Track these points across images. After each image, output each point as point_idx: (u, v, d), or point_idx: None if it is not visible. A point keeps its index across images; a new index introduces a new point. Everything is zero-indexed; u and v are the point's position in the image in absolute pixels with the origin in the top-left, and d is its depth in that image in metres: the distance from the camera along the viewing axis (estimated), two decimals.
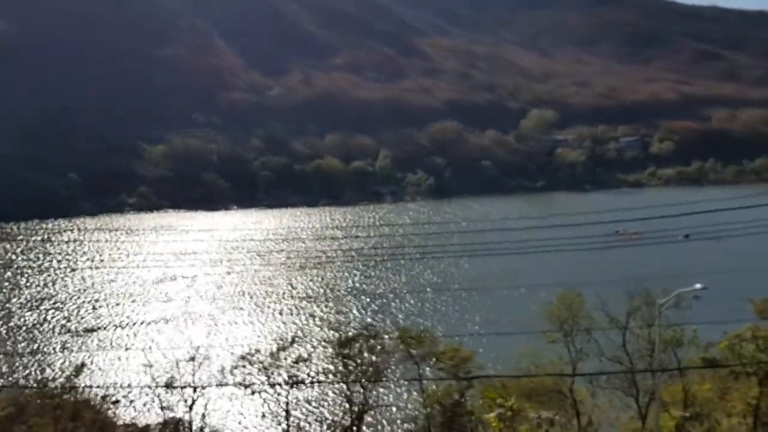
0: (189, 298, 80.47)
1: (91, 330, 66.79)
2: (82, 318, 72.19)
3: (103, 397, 34.82)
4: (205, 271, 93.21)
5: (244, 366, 32.15)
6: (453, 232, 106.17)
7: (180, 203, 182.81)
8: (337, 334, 35.78)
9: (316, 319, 70.04)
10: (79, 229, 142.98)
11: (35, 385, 31.87)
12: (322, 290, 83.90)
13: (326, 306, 75.97)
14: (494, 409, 24.25)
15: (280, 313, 72.80)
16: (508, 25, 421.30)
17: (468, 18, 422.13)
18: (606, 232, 73.62)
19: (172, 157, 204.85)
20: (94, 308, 75.86)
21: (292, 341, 34.29)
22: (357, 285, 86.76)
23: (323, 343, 37.64)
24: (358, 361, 32.64)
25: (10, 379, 31.81)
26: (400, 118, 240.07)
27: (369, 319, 66.78)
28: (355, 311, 73.28)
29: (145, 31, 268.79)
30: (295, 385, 33.15)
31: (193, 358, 31.13)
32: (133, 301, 78.82)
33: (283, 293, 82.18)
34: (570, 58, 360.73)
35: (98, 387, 34.11)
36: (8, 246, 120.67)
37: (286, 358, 32.33)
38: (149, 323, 69.11)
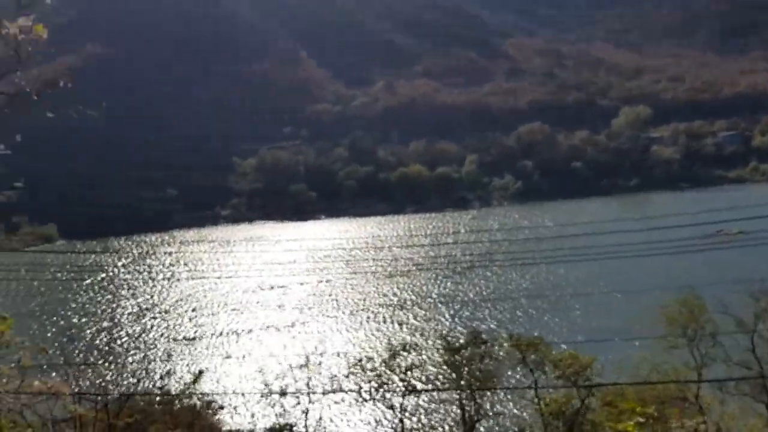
0: (283, 306, 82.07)
1: (193, 338, 69.19)
2: (184, 327, 74.92)
3: (209, 404, 35.59)
4: (297, 280, 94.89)
5: (356, 373, 32.14)
6: (544, 238, 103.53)
7: (270, 214, 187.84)
8: (444, 342, 35.19)
9: (410, 326, 69.78)
10: (177, 242, 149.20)
11: (157, 392, 33.06)
12: (412, 298, 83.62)
13: (418, 314, 75.60)
14: (631, 417, 22.83)
15: (374, 321, 73.05)
16: (593, 22, 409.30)
17: (550, 17, 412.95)
18: (706, 232, 69.58)
19: (263, 170, 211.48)
20: (194, 317, 78.62)
21: (403, 348, 34.00)
22: (447, 292, 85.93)
23: (432, 351, 37.09)
24: (470, 368, 31.95)
25: (129, 387, 33.01)
26: (485, 122, 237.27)
27: (460, 327, 65.87)
28: (447, 319, 72.52)
29: (233, 49, 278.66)
30: (408, 393, 32.77)
31: (304, 365, 31.39)
32: (232, 310, 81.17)
33: (374, 301, 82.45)
34: (662, 52, 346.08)
35: (216, 394, 34.94)
36: (113, 260, 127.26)
37: (397, 366, 32.04)
38: (248, 332, 70.90)
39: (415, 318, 73.69)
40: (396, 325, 70.83)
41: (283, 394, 30.94)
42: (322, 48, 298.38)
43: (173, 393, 33.45)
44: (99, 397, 30.12)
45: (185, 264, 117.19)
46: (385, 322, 72.62)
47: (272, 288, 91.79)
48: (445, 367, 33.37)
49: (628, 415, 23.78)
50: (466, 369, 31.98)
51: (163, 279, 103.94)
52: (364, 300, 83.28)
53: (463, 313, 74.66)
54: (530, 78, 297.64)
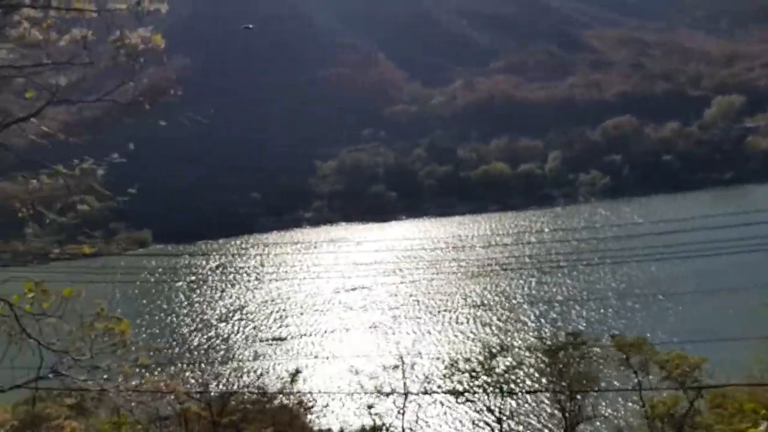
0: (366, 307, 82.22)
1: (281, 339, 70.27)
2: (271, 328, 76.24)
3: (302, 403, 35.59)
4: (379, 281, 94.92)
5: (451, 374, 31.56)
6: (634, 235, 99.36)
7: (351, 216, 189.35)
8: (541, 343, 34.11)
9: (496, 327, 68.39)
10: (261, 245, 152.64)
11: (257, 391, 33.44)
12: (496, 298, 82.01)
13: (502, 315, 74.03)
14: (743, 420, 21.12)
15: (458, 322, 72.06)
16: (680, 8, 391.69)
17: (634, 5, 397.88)
18: None
19: (343, 172, 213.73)
20: (280, 318, 79.92)
21: (501, 349, 33.15)
22: (532, 292, 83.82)
23: (526, 352, 35.95)
24: (569, 370, 30.81)
25: (226, 386, 33.49)
26: (569, 117, 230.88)
27: (547, 328, 63.98)
28: (532, 320, 70.66)
29: (311, 53, 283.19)
30: (506, 394, 31.92)
31: (397, 366, 31.08)
32: (316, 311, 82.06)
33: (458, 302, 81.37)
34: (753, 38, 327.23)
35: (312, 393, 35.04)
36: (202, 263, 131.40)
37: (495, 367, 31.26)
38: (332, 332, 71.40)
39: (499, 319, 72.20)
40: (480, 326, 69.61)
41: (387, 393, 30.69)
42: (399, 49, 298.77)
43: (273, 392, 33.72)
44: (202, 395, 30.67)
45: (270, 266, 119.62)
46: (468, 322, 71.52)
47: (355, 289, 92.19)
48: (543, 368, 32.21)
49: (739, 417, 22.01)
50: (566, 370, 30.77)
51: (250, 281, 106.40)
52: (447, 300, 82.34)
53: (550, 314, 72.58)
54: (615, 69, 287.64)
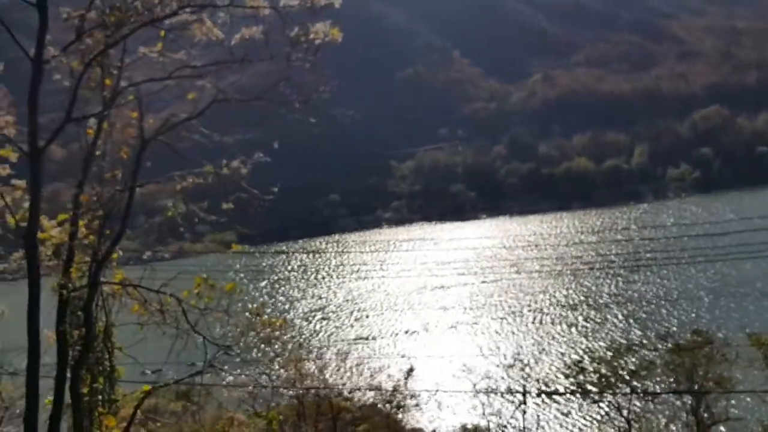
0: (447, 307, 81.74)
1: (365, 338, 70.83)
2: (352, 327, 76.98)
3: (393, 402, 35.36)
4: (460, 280, 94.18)
5: (576, 373, 30.77)
6: (727, 232, 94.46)
7: (431, 216, 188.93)
8: (663, 341, 32.85)
9: (582, 328, 66.57)
10: (341, 245, 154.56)
11: (371, 388, 33.48)
12: (581, 298, 79.82)
13: (589, 314, 71.97)
14: None
15: (542, 322, 70.60)
16: None
17: None
18: None
19: (421, 172, 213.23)
20: (362, 317, 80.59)
21: (629, 349, 32.15)
22: (619, 291, 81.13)
23: (651, 351, 34.49)
24: (698, 369, 29.49)
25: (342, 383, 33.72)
26: (656, 109, 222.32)
27: (636, 329, 61.83)
28: (620, 320, 68.38)
29: (385, 52, 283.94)
30: (634, 395, 30.88)
31: (512, 365, 30.72)
32: (396, 311, 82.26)
33: (541, 301, 79.75)
34: None
35: (426, 391, 34.74)
36: (284, 263, 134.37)
37: (619, 366, 30.28)
38: (423, 331, 71.36)
39: (586, 319, 70.21)
40: (565, 326, 67.91)
41: (512, 392, 30.28)
42: (475, 45, 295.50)
43: (388, 389, 33.70)
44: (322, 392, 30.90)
45: (350, 266, 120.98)
46: (554, 323, 69.94)
47: (436, 288, 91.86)
48: (670, 367, 30.82)
49: None
50: (694, 370, 29.45)
51: (329, 280, 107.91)
52: (531, 300, 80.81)
53: (639, 313, 70.05)
54: (703, 60, 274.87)
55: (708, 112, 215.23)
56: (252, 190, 10.45)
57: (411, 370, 35.45)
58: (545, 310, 75.46)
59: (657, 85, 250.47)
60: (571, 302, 78.28)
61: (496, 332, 68.46)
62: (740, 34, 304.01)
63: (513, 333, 68.11)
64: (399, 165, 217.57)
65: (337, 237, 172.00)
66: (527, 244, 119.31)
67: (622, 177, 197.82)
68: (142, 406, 13.15)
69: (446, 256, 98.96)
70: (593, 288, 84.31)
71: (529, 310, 76.14)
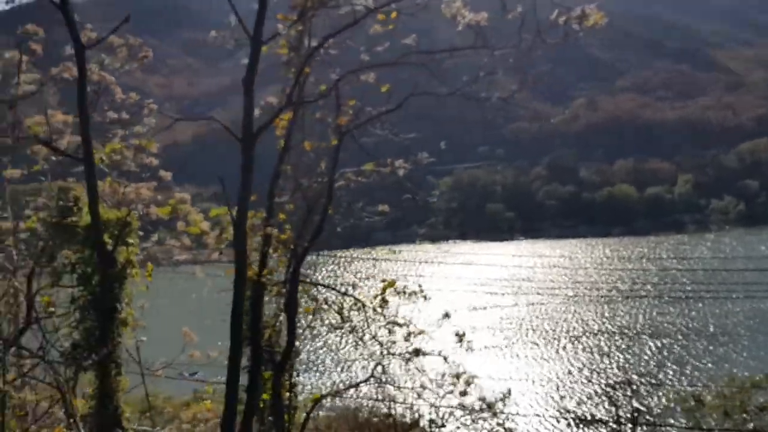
0: (476, 327, 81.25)
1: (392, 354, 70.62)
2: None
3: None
4: (493, 301, 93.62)
5: (697, 408, 29.57)
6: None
7: (467, 234, 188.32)
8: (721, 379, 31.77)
9: (616, 357, 65.77)
10: (372, 258, 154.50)
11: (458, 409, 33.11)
12: (614, 326, 78.82)
13: (621, 344, 71.00)
14: None
15: (567, 349, 69.90)
16: None
17: (765, 22, 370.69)
18: None
19: (458, 189, 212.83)
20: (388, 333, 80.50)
21: (751, 384, 31.00)
22: (652, 323, 79.92)
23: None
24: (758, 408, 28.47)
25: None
26: (701, 139, 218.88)
27: (670, 363, 60.80)
28: (653, 352, 67.32)
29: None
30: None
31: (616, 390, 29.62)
32: (427, 328, 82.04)
33: (573, 328, 78.97)
34: None
35: (523, 415, 33.91)
36: (316, 273, 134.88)
37: (742, 403, 29.20)
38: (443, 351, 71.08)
39: (618, 349, 69.25)
40: (596, 355, 67.12)
41: (617, 421, 29.25)
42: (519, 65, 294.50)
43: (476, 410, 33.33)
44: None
45: (379, 279, 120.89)
46: (584, 350, 69.14)
47: (470, 309, 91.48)
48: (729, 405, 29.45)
49: None
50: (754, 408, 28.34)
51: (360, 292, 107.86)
52: (562, 326, 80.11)
53: (674, 347, 68.77)
54: (751, 91, 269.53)
55: (755, 144, 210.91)
56: (413, 188, 10.56)
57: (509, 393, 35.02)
58: (578, 336, 74.66)
59: (703, 114, 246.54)
60: (602, 329, 77.35)
61: (525, 356, 67.96)
62: None
63: (545, 359, 67.55)
64: (436, 181, 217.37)
65: (369, 250, 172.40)
66: (563, 268, 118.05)
67: (665, 206, 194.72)
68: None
69: (480, 275, 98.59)
70: (627, 318, 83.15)
71: (561, 336, 75.48)
